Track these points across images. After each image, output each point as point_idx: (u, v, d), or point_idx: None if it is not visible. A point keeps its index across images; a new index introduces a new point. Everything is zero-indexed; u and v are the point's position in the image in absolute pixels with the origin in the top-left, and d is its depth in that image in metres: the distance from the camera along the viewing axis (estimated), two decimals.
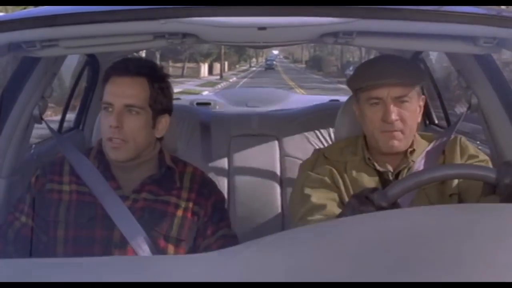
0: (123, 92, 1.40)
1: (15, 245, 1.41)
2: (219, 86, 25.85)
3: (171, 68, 27.26)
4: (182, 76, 29.32)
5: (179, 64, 30.97)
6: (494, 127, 1.75)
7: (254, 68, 54.72)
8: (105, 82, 1.42)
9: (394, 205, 1.16)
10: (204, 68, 35.84)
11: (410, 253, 0.76)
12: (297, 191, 1.52)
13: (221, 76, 34.00)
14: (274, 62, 58.42)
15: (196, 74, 33.09)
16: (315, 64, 54.86)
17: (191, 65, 33.59)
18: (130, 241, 1.35)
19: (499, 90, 1.71)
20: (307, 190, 1.46)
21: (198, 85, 25.20)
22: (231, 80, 31.93)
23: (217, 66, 37.84)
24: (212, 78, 33.43)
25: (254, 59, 66.13)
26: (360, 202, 1.16)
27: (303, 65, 63.49)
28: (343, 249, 0.79)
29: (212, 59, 36.46)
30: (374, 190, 1.18)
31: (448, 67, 2.60)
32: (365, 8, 1.24)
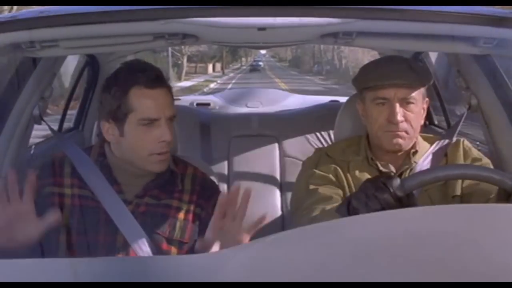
0: (163, 104, 1.36)
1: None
2: (224, 78, 39.40)
3: (187, 67, 36.95)
4: (195, 73, 42.39)
5: (192, 64, 43.59)
6: (494, 127, 1.75)
7: (244, 67, 63.60)
8: (126, 93, 1.35)
9: (409, 196, 1.14)
10: (210, 67, 50.08)
11: (411, 253, 0.76)
12: (300, 188, 1.51)
13: (223, 72, 47.92)
14: (261, 63, 57.68)
15: (204, 71, 47.06)
16: (295, 63, 63.83)
17: (201, 64, 47.35)
18: (133, 245, 1.34)
19: (499, 90, 1.71)
20: (312, 186, 1.46)
21: (211, 78, 38.34)
22: (230, 75, 45.05)
23: (217, 65, 52.60)
24: (216, 74, 46.96)
25: (244, 59, 73.21)
26: (376, 188, 1.13)
27: (287, 64, 70.92)
28: (343, 249, 0.79)
29: (215, 60, 50.07)
30: (391, 177, 1.16)
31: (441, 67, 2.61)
32: (365, 8, 1.24)
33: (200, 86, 27.33)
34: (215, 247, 1.19)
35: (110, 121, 1.37)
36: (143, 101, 1.35)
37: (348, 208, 1.18)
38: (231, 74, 46.68)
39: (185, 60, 34.09)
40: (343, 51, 35.96)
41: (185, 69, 34.52)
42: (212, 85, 28.65)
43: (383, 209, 1.11)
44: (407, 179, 1.15)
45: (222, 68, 50.41)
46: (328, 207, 1.36)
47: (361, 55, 29.43)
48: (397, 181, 1.13)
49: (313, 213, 1.37)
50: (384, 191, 1.12)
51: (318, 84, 30.97)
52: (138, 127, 1.35)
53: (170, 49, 23.98)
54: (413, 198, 1.15)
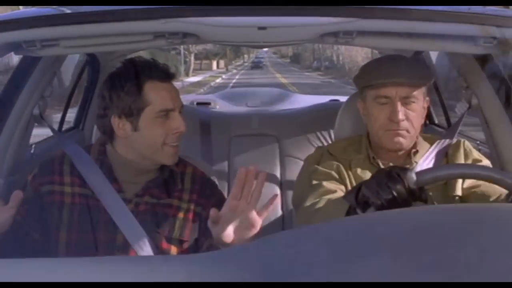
0: (176, 95, 1.43)
1: (4, 243, 1.39)
2: (228, 74, 42.99)
3: (193, 64, 40.28)
4: (200, 69, 46.40)
5: (197, 61, 46.78)
6: (494, 127, 1.75)
7: (246, 64, 67.53)
8: (141, 88, 1.38)
9: (421, 190, 1.14)
10: (214, 64, 54.10)
11: (411, 253, 0.76)
12: (303, 183, 1.51)
13: (227, 69, 53.13)
14: (263, 60, 59.18)
15: (209, 67, 51.02)
16: (296, 59, 67.62)
17: (206, 61, 51.19)
18: (133, 244, 1.35)
19: (499, 90, 1.71)
20: (316, 181, 1.46)
21: (216, 74, 41.79)
22: (233, 71, 49.49)
23: (220, 62, 56.74)
24: (220, 70, 51.58)
25: (246, 56, 75.64)
26: (390, 178, 1.12)
27: (288, 60, 74.36)
28: (344, 249, 0.79)
29: (218, 57, 53.75)
30: (405, 169, 1.15)
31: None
32: (365, 8, 1.24)
33: (208, 81, 30.51)
34: (229, 229, 1.20)
35: (121, 117, 1.39)
36: (159, 94, 1.38)
37: (357, 196, 1.17)
38: (234, 71, 51.07)
39: (192, 57, 37.87)
40: (340, 48, 38.29)
41: (192, 66, 38.16)
42: (218, 80, 32.12)
43: (394, 199, 1.11)
44: (421, 173, 1.15)
45: (225, 65, 55.32)
46: (334, 198, 1.36)
47: (355, 53, 32.59)
48: (411, 174, 1.13)
49: (318, 205, 1.36)
50: (397, 182, 1.12)
51: (316, 78, 34.49)
52: (156, 119, 1.38)
53: (182, 47, 27.62)
54: (425, 193, 1.15)
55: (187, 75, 33.36)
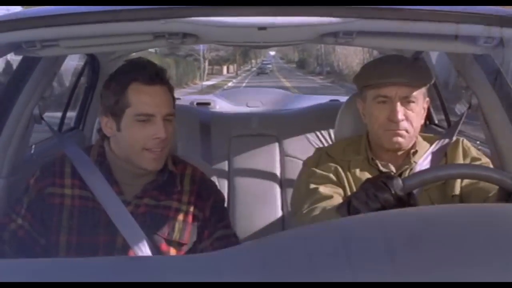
0: (161, 101, 1.38)
1: (10, 247, 1.39)
2: (238, 78, 47.02)
3: (206, 69, 43.16)
4: (212, 74, 48.79)
5: (209, 66, 48.99)
6: (494, 127, 1.75)
7: (254, 68, 69.49)
8: (125, 89, 1.37)
9: (410, 195, 1.14)
10: (224, 69, 57.07)
11: (411, 253, 0.76)
12: (301, 187, 1.51)
13: (237, 74, 55.81)
14: (269, 66, 59.25)
15: (220, 72, 53.79)
16: (302, 64, 70.35)
17: (217, 67, 54.05)
18: (133, 246, 1.35)
19: (499, 90, 1.71)
20: (313, 185, 1.46)
21: (226, 78, 45.52)
22: (242, 76, 53.12)
23: (230, 67, 59.85)
24: (230, 74, 54.60)
25: (253, 61, 77.63)
26: (377, 187, 1.13)
27: (294, 65, 76.69)
28: (344, 249, 0.79)
29: (228, 63, 56.94)
30: (391, 177, 1.16)
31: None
32: (365, 8, 1.24)
33: (221, 85, 33.85)
34: None
35: (108, 116, 1.40)
36: (140, 97, 1.37)
37: (349, 207, 1.18)
38: (243, 75, 54.49)
39: (206, 63, 41.79)
40: (338, 54, 41.03)
41: (206, 71, 41.68)
42: (229, 84, 35.64)
43: (383, 208, 1.11)
44: (407, 179, 1.16)
45: (235, 70, 58.39)
46: (329, 206, 1.36)
47: (350, 59, 35.20)
48: (397, 181, 1.13)
49: (314, 213, 1.37)
50: (384, 191, 1.12)
51: (316, 82, 38.43)
52: (134, 122, 1.37)
53: (202, 52, 31.59)
54: (414, 198, 1.16)
55: (202, 79, 36.04)
